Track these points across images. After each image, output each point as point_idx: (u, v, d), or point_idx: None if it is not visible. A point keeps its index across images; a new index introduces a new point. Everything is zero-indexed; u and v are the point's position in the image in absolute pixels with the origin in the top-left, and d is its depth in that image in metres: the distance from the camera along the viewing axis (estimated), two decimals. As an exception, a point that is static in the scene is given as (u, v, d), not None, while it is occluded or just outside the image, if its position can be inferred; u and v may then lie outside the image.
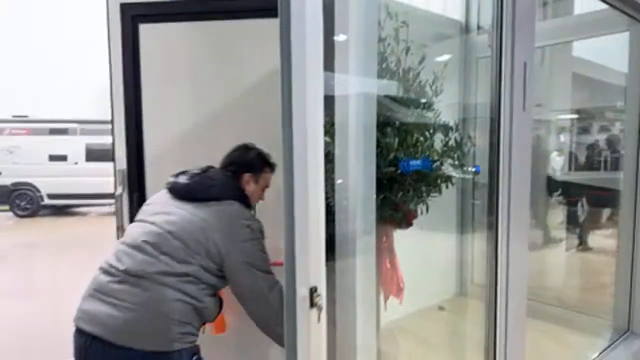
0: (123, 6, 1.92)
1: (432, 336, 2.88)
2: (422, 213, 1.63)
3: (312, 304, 0.99)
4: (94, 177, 9.91)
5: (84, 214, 10.46)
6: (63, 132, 10.04)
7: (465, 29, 3.19)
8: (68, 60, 11.35)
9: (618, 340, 2.85)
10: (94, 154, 10.05)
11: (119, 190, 1.95)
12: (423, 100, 1.60)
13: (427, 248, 2.92)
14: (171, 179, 1.55)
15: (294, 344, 0.99)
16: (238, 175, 1.58)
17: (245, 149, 1.67)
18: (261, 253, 1.46)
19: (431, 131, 1.58)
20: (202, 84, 2.02)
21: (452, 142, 1.60)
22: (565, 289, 3.69)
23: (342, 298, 1.27)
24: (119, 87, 1.93)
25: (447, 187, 1.59)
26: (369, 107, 1.27)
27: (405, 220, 1.56)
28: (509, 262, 1.74)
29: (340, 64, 1.17)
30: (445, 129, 1.59)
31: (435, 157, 1.55)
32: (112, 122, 1.97)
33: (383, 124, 1.42)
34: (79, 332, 1.35)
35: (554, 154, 3.88)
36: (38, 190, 9.69)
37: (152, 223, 1.44)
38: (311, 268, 1.00)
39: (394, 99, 1.57)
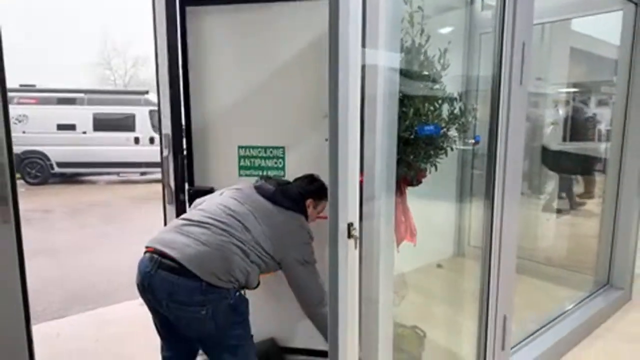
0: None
1: (432, 288, 3.21)
2: (430, 172, 1.91)
3: (350, 235, 1.28)
4: (102, 146, 10.17)
5: (92, 182, 10.75)
6: (71, 101, 10.18)
7: (470, 2, 3.37)
8: (69, 31, 11.33)
9: (598, 291, 3.21)
10: (102, 123, 10.24)
11: (165, 152, 2.20)
12: (431, 73, 1.84)
13: (430, 213, 3.21)
14: (260, 182, 1.93)
15: (336, 265, 1.29)
16: (304, 199, 1.93)
17: (312, 178, 2.04)
18: (311, 250, 1.86)
19: (439, 102, 1.83)
20: (245, 60, 2.27)
21: (456, 111, 1.86)
22: (555, 250, 4.03)
23: (368, 235, 1.56)
24: (164, 60, 2.17)
25: (451, 149, 1.88)
26: (393, 79, 1.53)
27: (417, 178, 1.85)
28: (502, 225, 2.04)
29: (370, 40, 1.42)
30: (451, 100, 1.85)
31: (443, 124, 1.82)
32: (158, 92, 2.21)
33: (400, 95, 1.67)
34: (150, 256, 1.60)
35: (550, 126, 4.13)
36: (48, 159, 9.91)
37: (236, 199, 1.81)
38: (349, 208, 1.29)
39: (408, 72, 1.82)
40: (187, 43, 2.24)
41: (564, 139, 4.19)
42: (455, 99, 1.87)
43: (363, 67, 1.33)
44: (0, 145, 1.84)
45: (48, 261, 4.64)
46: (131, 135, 10.42)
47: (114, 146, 10.20)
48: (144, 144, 10.50)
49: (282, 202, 1.83)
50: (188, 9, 2.21)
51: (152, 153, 10.57)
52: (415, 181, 1.86)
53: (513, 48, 1.94)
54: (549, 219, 4.28)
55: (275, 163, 2.32)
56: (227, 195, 1.86)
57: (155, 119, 10.74)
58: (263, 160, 2.33)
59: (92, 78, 28.66)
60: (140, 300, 1.71)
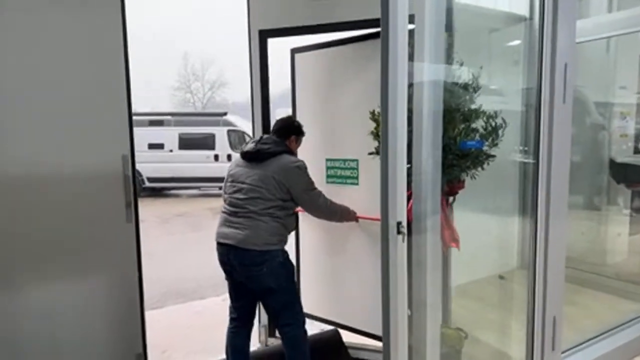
0: (261, 32, 2.86)
1: (491, 297, 3.33)
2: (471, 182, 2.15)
3: (398, 232, 1.58)
4: (186, 163, 11.26)
5: (177, 196, 11.88)
6: (160, 123, 11.45)
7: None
8: (152, 56, 12.55)
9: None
10: (186, 142, 11.36)
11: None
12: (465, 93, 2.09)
13: (493, 227, 3.35)
14: (243, 150, 2.36)
15: (387, 257, 1.59)
16: (287, 137, 2.40)
17: (289, 120, 2.52)
18: (309, 179, 2.30)
19: (472, 118, 2.07)
20: (329, 89, 2.79)
21: (489, 128, 2.08)
22: (624, 264, 3.91)
23: (417, 243, 1.84)
24: (257, 88, 2.91)
25: (487, 164, 2.10)
26: (438, 97, 1.82)
27: (455, 188, 2.10)
28: (548, 234, 2.19)
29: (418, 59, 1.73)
30: (486, 116, 2.08)
31: (478, 139, 2.05)
32: (252, 114, 2.92)
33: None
34: (220, 245, 2.29)
35: (618, 137, 4.05)
36: (140, 174, 11.14)
37: (243, 182, 2.27)
38: (398, 209, 1.59)
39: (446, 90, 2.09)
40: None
41: (636, 151, 4.08)
42: (492, 115, 2.09)
43: (411, 85, 1.65)
44: (126, 161, 2.40)
45: (145, 262, 5.31)
46: (211, 153, 11.44)
47: (196, 163, 11.26)
48: (223, 161, 11.45)
49: (263, 156, 2.26)
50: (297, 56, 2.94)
51: (229, 169, 11.48)
52: (452, 193, 2.10)
53: (554, 68, 2.12)
54: (620, 233, 4.16)
55: (351, 173, 2.68)
56: (237, 185, 2.30)
57: (233, 137, 11.72)
58: (342, 171, 2.73)
59: (175, 101, 31.39)
60: (223, 296, 2.20)
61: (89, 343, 2.29)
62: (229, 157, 11.50)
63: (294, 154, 2.41)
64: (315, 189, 2.34)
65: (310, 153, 2.74)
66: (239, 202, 2.24)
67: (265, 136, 2.39)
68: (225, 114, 12.35)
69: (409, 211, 2.30)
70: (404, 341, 1.72)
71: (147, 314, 2.54)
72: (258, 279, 2.20)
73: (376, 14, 1.55)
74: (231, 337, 2.40)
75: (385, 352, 1.69)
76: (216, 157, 11.47)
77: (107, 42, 2.25)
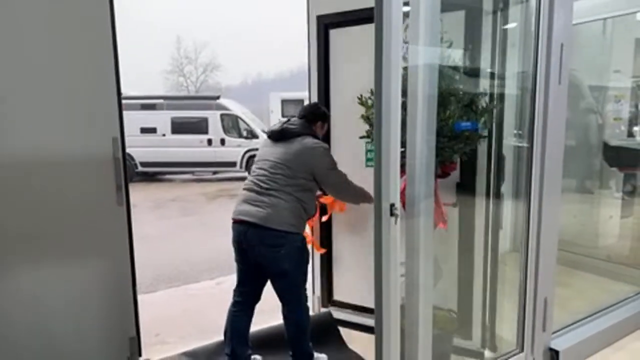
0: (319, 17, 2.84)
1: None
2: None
3: (392, 214, 1.57)
4: (179, 148, 11.16)
5: (170, 180, 11.80)
6: (152, 107, 11.30)
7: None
8: (144, 39, 12.36)
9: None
10: (179, 127, 11.24)
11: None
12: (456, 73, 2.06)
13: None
14: (269, 130, 2.43)
15: (380, 239, 1.58)
16: (314, 122, 2.43)
17: (317, 106, 2.56)
18: (332, 159, 2.33)
19: (465, 99, 2.04)
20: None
21: (480, 109, 2.06)
22: (616, 247, 3.96)
23: (410, 223, 1.83)
24: (314, 73, 2.90)
25: (479, 144, 2.09)
26: (433, 78, 1.79)
27: (447, 169, 2.09)
28: (540, 215, 2.19)
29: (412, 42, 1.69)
30: (477, 96, 2.06)
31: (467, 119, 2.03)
32: (309, 97, 2.93)
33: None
34: (240, 223, 2.24)
35: (612, 120, 4.06)
36: (132, 159, 11.02)
37: (267, 160, 2.30)
38: (391, 191, 1.57)
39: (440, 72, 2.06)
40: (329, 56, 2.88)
41: (630, 135, 4.09)
42: (482, 94, 2.06)
43: (405, 68, 1.62)
44: (116, 144, 2.36)
45: (137, 246, 5.30)
46: (204, 137, 11.33)
47: (189, 147, 11.17)
48: (216, 145, 11.37)
49: (290, 135, 2.32)
50: (331, 31, 2.84)
51: (223, 154, 11.42)
52: (444, 173, 2.09)
53: (550, 49, 2.10)
54: (612, 216, 4.19)
55: None
56: (262, 163, 2.32)
57: (226, 122, 11.61)
58: None
59: (168, 84, 31.02)
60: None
61: (82, 328, 2.29)
62: (222, 142, 11.41)
63: (318, 138, 2.41)
64: (339, 169, 2.35)
65: (348, 136, 2.70)
66: (262, 180, 2.26)
67: (293, 119, 2.42)
68: (218, 97, 12.19)
69: (402, 193, 2.29)
70: (396, 324, 1.73)
71: (140, 298, 2.53)
72: (275, 259, 2.21)
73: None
74: (233, 320, 2.40)
75: (378, 334, 1.69)
76: (209, 142, 11.37)
77: (94, 24, 2.20)
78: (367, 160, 2.73)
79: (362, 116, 2.32)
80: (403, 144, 1.87)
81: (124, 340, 2.42)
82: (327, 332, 2.77)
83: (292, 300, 2.32)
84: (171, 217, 7.55)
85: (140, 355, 2.46)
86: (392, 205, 1.56)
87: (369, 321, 2.67)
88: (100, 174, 2.30)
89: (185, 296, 3.68)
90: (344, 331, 2.82)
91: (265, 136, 2.49)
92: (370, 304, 2.81)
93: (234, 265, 2.44)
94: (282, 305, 2.36)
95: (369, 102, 2.24)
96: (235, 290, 2.44)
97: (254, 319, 2.46)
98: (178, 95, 21.08)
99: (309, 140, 2.29)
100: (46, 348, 2.23)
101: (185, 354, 2.51)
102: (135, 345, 2.44)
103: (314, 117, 2.43)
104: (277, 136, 2.33)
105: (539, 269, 2.24)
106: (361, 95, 2.29)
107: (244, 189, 2.33)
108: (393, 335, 1.69)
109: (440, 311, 2.26)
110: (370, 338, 2.06)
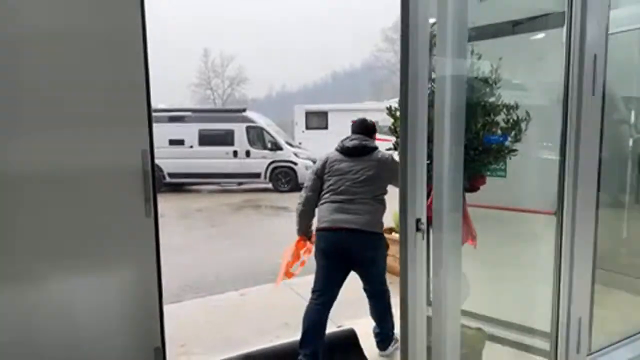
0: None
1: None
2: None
3: (417, 229, 1.54)
4: (206, 159, 11.37)
5: (197, 191, 12.02)
6: (180, 119, 11.59)
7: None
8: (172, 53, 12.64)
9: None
10: (206, 139, 11.48)
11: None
12: (488, 86, 2.02)
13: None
14: (343, 146, 2.73)
15: (406, 255, 1.55)
16: (372, 136, 2.80)
17: (370, 121, 2.86)
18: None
19: (494, 112, 2.00)
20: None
21: (511, 121, 2.01)
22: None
23: (437, 241, 1.79)
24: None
25: (510, 158, 2.03)
26: (461, 91, 1.76)
27: (477, 184, 2.04)
28: (574, 231, 2.09)
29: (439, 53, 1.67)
30: (508, 109, 2.00)
31: (500, 133, 1.98)
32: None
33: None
34: (337, 230, 2.55)
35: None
36: (161, 170, 11.28)
37: (355, 173, 2.61)
38: (417, 207, 1.54)
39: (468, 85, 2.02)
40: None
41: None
42: (512, 107, 2.01)
43: (433, 80, 1.60)
44: (145, 156, 2.42)
45: (164, 256, 5.39)
46: (230, 149, 11.53)
47: (215, 159, 11.36)
48: (241, 157, 11.54)
49: (368, 150, 2.66)
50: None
51: (248, 165, 11.58)
52: (473, 187, 2.04)
53: (583, 60, 2.03)
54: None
55: (500, 165, 2.54)
56: (347, 177, 2.63)
57: (252, 134, 11.78)
58: None
59: (196, 97, 31.81)
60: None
61: (107, 337, 2.32)
62: (248, 154, 11.57)
63: None
64: None
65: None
66: (355, 191, 2.57)
67: (358, 135, 2.73)
68: (244, 110, 12.41)
69: (429, 207, 2.25)
70: (423, 341, 1.68)
71: (166, 308, 2.56)
72: (374, 257, 2.60)
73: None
74: (314, 314, 2.59)
75: (404, 351, 1.65)
76: (235, 153, 11.55)
77: (126, 38, 2.26)
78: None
79: (390, 128, 2.30)
80: (429, 157, 1.85)
81: (150, 351, 2.44)
82: (349, 348, 2.72)
83: (383, 284, 2.72)
84: (197, 227, 7.67)
85: (165, 365, 2.48)
86: (418, 220, 1.53)
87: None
88: (129, 185, 2.34)
89: (210, 307, 3.71)
90: None
91: (334, 152, 2.76)
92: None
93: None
94: (370, 292, 2.75)
95: (397, 113, 2.21)
96: (317, 290, 2.64)
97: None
98: (205, 108, 21.51)
99: (384, 153, 2.65)
100: (73, 357, 2.27)
101: (210, 365, 2.52)
102: (160, 356, 2.46)
103: (372, 132, 2.80)
104: (356, 152, 2.65)
105: (573, 287, 2.14)
106: (390, 106, 2.27)
107: (330, 201, 2.61)
108: (419, 352, 1.64)
109: (469, 330, 2.19)
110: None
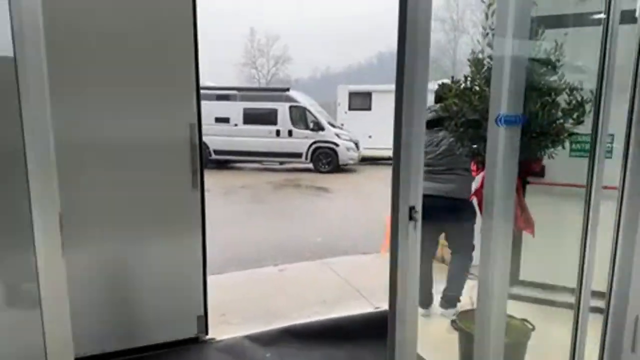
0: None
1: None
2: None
3: (411, 218, 1.45)
4: (249, 137, 11.56)
5: (240, 169, 12.28)
6: (226, 97, 11.79)
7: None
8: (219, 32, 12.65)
9: None
10: (250, 117, 11.64)
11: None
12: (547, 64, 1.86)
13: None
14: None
15: (396, 245, 1.47)
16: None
17: (444, 86, 2.73)
18: None
19: (554, 92, 1.85)
20: None
21: (574, 102, 1.85)
22: None
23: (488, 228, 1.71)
24: None
25: (569, 143, 1.89)
26: (520, 68, 1.64)
27: (533, 168, 1.92)
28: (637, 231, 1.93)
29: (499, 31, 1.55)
30: (571, 90, 1.85)
31: (560, 115, 1.84)
32: None
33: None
34: (431, 197, 2.48)
35: None
36: (207, 146, 11.55)
37: (437, 145, 2.78)
38: (411, 192, 1.46)
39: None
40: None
41: None
42: (575, 88, 1.86)
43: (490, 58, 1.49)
44: (194, 130, 2.47)
45: (210, 229, 5.60)
46: (273, 128, 11.64)
47: (258, 137, 11.52)
48: (284, 137, 11.63)
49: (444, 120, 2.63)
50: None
51: (290, 145, 11.66)
52: (528, 171, 1.92)
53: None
54: None
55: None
56: (427, 149, 2.72)
57: (294, 113, 11.82)
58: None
59: (242, 77, 32.22)
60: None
61: (155, 302, 2.44)
62: (290, 133, 11.63)
63: None
64: None
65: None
66: (437, 162, 2.77)
67: (435, 106, 2.76)
68: (288, 89, 12.44)
69: (478, 192, 2.16)
70: (413, 347, 1.62)
71: (209, 278, 2.66)
72: (460, 221, 2.77)
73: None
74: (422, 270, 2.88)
75: (390, 349, 1.61)
76: (277, 133, 11.65)
77: (178, 20, 2.32)
78: (571, 150, 2.57)
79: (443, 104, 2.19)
80: (483, 138, 1.76)
81: (193, 318, 2.55)
82: (385, 330, 2.70)
83: (469, 246, 2.87)
84: (240, 202, 7.87)
85: (206, 333, 2.58)
86: (411, 209, 1.44)
87: (556, 297, 2.72)
88: (178, 158, 2.42)
89: (250, 280, 3.80)
90: (532, 307, 2.77)
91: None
92: (557, 282, 2.80)
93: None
94: (455, 249, 2.95)
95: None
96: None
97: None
98: (250, 87, 21.80)
99: None
100: (123, 316, 2.41)
101: (249, 337, 2.59)
102: (202, 324, 2.57)
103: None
104: (432, 124, 2.69)
105: (632, 282, 2.00)
106: (443, 83, 2.17)
107: (427, 172, 2.69)
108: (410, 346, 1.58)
109: (514, 320, 2.11)
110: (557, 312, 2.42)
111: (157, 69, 2.34)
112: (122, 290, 2.40)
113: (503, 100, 1.61)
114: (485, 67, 1.83)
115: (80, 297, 2.23)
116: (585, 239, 1.87)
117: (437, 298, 2.99)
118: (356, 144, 12.23)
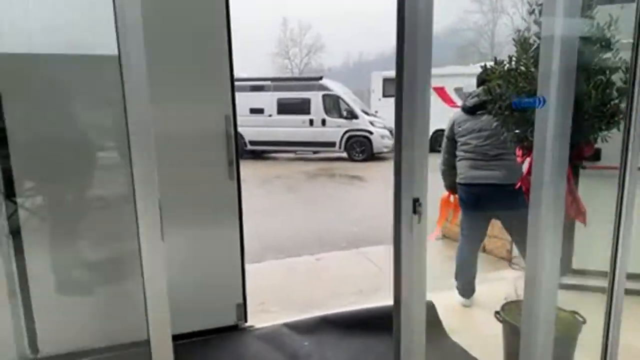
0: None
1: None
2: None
3: (414, 211, 1.33)
4: (283, 127, 11.61)
5: (274, 159, 12.38)
6: (260, 88, 11.87)
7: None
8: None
9: None
10: (284, 107, 11.67)
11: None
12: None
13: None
14: (464, 104, 2.83)
15: (399, 241, 1.37)
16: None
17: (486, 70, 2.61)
18: None
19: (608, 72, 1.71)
20: None
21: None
22: None
23: (536, 217, 1.61)
24: None
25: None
26: (572, 47, 1.52)
27: (584, 152, 1.79)
28: None
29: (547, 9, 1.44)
30: (626, 68, 1.70)
31: (615, 96, 1.69)
32: None
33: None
34: (473, 185, 2.75)
35: None
36: (242, 137, 11.72)
37: (478, 130, 2.71)
38: (415, 183, 1.34)
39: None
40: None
41: None
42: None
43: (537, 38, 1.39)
44: (229, 120, 2.49)
45: (246, 218, 5.69)
46: (307, 117, 11.62)
47: (292, 127, 11.55)
48: (317, 126, 11.60)
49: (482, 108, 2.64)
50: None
51: (323, 134, 11.62)
52: (579, 156, 1.80)
53: None
54: None
55: None
56: (473, 135, 2.74)
57: (327, 102, 11.75)
58: None
59: (275, 67, 32.36)
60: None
61: (195, 289, 2.49)
62: (323, 122, 11.58)
63: None
64: None
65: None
66: (485, 148, 2.69)
67: (474, 90, 2.75)
68: (321, 78, 12.36)
69: (525, 178, 2.06)
70: (421, 338, 1.57)
71: (248, 267, 2.70)
72: (512, 208, 2.57)
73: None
74: (462, 253, 2.93)
75: (396, 349, 1.54)
76: (311, 122, 11.63)
77: (212, 13, 2.32)
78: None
79: (484, 89, 2.09)
80: (529, 122, 1.65)
81: (232, 306, 2.59)
82: (429, 320, 2.64)
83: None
84: (276, 192, 7.94)
85: (245, 320, 2.62)
86: (416, 201, 1.31)
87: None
88: (214, 149, 2.44)
89: (288, 269, 3.83)
90: (587, 296, 2.70)
91: (459, 112, 2.85)
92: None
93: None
94: (517, 242, 2.91)
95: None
96: (463, 234, 2.94)
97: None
98: (284, 77, 21.85)
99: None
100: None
101: (287, 325, 2.61)
102: (241, 312, 2.61)
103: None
104: (475, 109, 2.70)
105: None
106: (485, 64, 2.07)
107: (465, 158, 2.78)
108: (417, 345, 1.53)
109: (564, 312, 2.00)
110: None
111: (192, 61, 2.35)
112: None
113: (552, 80, 1.51)
114: (534, 46, 1.71)
115: (124, 289, 2.34)
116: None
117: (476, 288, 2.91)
118: (390, 132, 12.03)
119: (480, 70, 2.46)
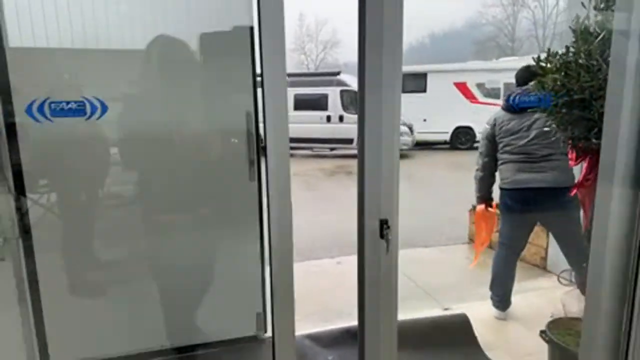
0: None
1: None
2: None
3: (381, 236, 1.09)
4: (301, 124, 11.45)
5: (291, 156, 12.20)
6: (277, 84, 11.74)
7: None
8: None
9: None
10: (301, 103, 11.50)
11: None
12: None
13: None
14: (506, 103, 2.63)
15: (363, 270, 1.19)
16: None
17: (529, 68, 2.44)
18: None
19: None
20: None
21: None
22: None
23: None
24: None
25: None
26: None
27: None
28: None
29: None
30: None
31: None
32: None
33: None
34: (520, 190, 2.54)
35: None
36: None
37: (524, 130, 2.52)
38: (382, 203, 1.11)
39: None
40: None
41: None
42: None
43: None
44: (250, 118, 2.34)
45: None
46: (324, 114, 11.44)
47: (309, 124, 11.38)
48: (334, 122, 11.41)
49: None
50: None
51: (341, 130, 11.43)
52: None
53: None
54: None
55: None
56: (518, 135, 2.56)
57: (345, 98, 11.53)
58: None
59: (292, 63, 32.26)
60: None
61: (213, 299, 2.35)
62: (341, 119, 11.38)
63: None
64: None
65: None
66: (531, 149, 2.50)
67: (523, 88, 2.54)
68: (338, 73, 12.16)
69: (581, 184, 1.85)
70: None
71: (267, 270, 2.55)
72: (562, 214, 2.47)
73: None
74: (500, 262, 2.74)
75: None
76: (328, 118, 11.45)
77: (234, 9, 2.19)
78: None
79: (538, 81, 1.85)
80: (590, 121, 1.45)
81: (252, 315, 2.44)
82: (462, 334, 2.47)
83: (580, 243, 2.36)
84: (293, 191, 7.79)
85: (265, 331, 2.48)
86: (383, 223, 1.08)
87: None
88: (235, 148, 2.31)
89: (308, 273, 3.68)
90: None
91: (501, 111, 2.66)
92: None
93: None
94: (568, 254, 2.62)
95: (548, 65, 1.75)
96: (502, 243, 2.74)
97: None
98: (300, 72, 21.68)
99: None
100: (178, 310, 2.35)
101: (310, 336, 2.45)
102: (261, 321, 2.46)
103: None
104: (519, 108, 2.53)
105: None
106: (538, 56, 1.85)
107: (510, 161, 2.58)
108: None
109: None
110: None
111: (214, 59, 2.24)
112: (178, 285, 2.34)
113: (628, 74, 1.31)
114: (600, 37, 1.50)
115: (140, 293, 2.22)
116: None
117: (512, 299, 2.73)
118: (410, 128, 11.78)
119: (509, 65, 2.27)
